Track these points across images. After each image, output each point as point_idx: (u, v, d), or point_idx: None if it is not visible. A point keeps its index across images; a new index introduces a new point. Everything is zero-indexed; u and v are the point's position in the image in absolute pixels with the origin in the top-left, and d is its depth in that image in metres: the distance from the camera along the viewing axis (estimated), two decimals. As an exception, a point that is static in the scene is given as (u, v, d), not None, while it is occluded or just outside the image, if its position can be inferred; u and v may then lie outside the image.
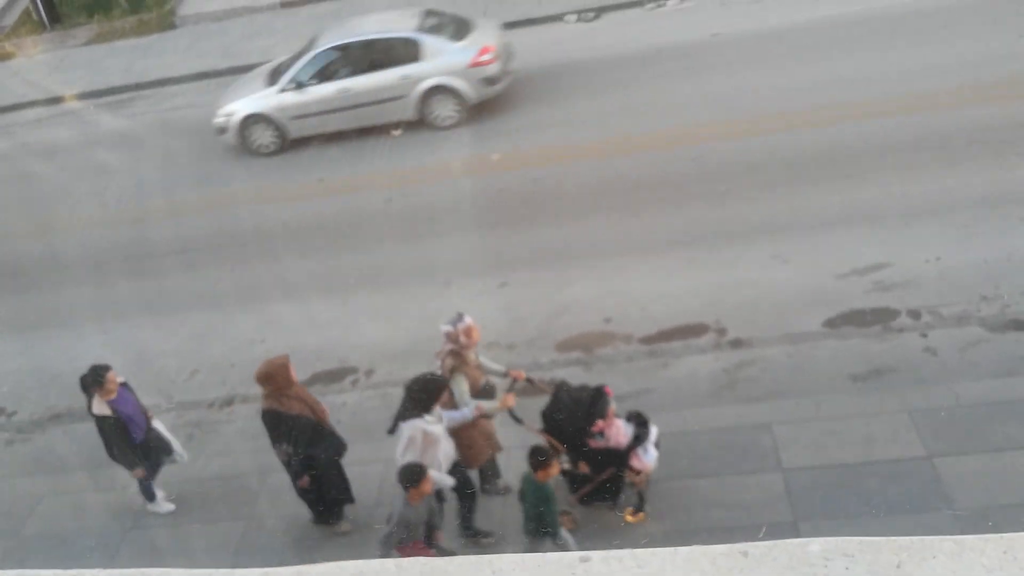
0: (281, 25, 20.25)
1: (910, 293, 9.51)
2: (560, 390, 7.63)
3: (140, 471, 8.38)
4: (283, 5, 21.18)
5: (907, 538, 2.13)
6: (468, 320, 7.63)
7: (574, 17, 17.80)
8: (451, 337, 7.58)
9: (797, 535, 7.11)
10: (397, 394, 9.56)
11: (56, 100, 19.05)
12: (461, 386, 7.48)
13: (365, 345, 10.31)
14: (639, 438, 7.44)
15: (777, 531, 7.04)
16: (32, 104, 19.13)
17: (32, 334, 11.69)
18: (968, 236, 10.09)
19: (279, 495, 8.48)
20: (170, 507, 8.64)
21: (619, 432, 7.48)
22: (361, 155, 14.16)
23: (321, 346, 10.50)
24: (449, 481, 7.28)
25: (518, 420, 7.59)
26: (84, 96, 18.92)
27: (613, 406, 7.55)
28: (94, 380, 8.08)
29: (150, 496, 8.61)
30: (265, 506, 8.59)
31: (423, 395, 7.15)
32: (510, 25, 17.89)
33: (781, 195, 11.33)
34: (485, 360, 7.97)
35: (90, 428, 8.53)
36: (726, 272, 10.28)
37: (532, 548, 6.91)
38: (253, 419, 9.64)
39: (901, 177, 11.16)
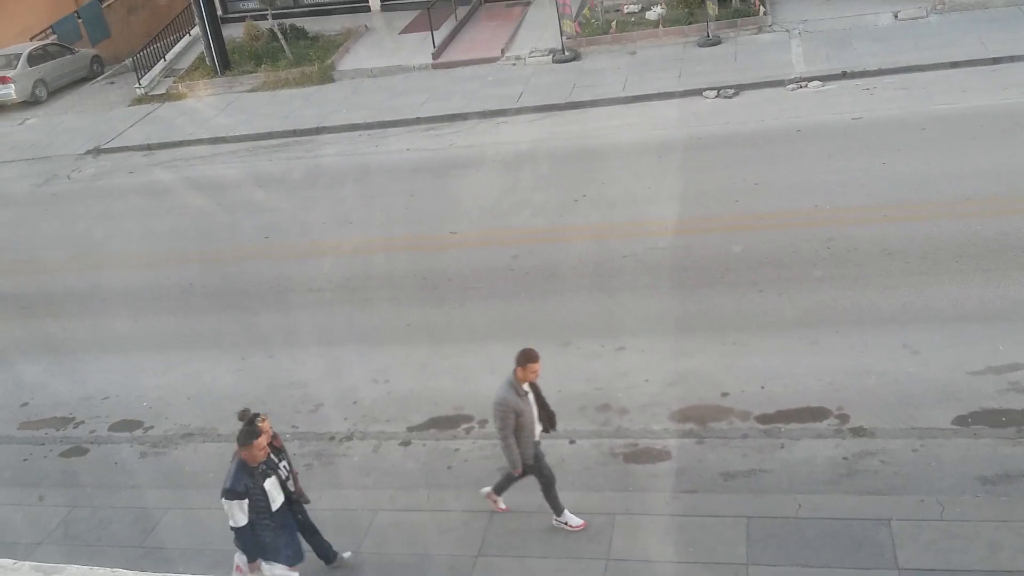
0: (431, 84, 21.24)
1: (1050, 398, 9.05)
2: None
3: None
4: (434, 66, 22.22)
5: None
6: None
7: (713, 93, 17.96)
8: None
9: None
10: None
11: (218, 140, 20.50)
12: None
13: (481, 395, 10.52)
14: None
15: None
16: (197, 142, 20.67)
17: (178, 353, 12.46)
18: (1119, 344, 9.56)
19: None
20: None
21: None
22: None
23: (439, 392, 10.81)
24: None
25: None
26: (245, 139, 20.30)
27: None
28: None
29: None
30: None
31: None
32: (649, 97, 18.26)
33: (916, 284, 11.02)
34: None
35: (219, 449, 8.83)
36: (852, 357, 10.03)
37: None
38: (370, 456, 10.00)
39: (1047, 276, 10.70)
